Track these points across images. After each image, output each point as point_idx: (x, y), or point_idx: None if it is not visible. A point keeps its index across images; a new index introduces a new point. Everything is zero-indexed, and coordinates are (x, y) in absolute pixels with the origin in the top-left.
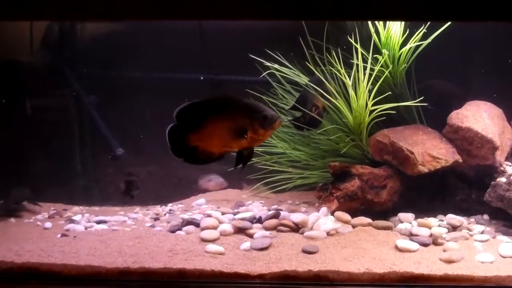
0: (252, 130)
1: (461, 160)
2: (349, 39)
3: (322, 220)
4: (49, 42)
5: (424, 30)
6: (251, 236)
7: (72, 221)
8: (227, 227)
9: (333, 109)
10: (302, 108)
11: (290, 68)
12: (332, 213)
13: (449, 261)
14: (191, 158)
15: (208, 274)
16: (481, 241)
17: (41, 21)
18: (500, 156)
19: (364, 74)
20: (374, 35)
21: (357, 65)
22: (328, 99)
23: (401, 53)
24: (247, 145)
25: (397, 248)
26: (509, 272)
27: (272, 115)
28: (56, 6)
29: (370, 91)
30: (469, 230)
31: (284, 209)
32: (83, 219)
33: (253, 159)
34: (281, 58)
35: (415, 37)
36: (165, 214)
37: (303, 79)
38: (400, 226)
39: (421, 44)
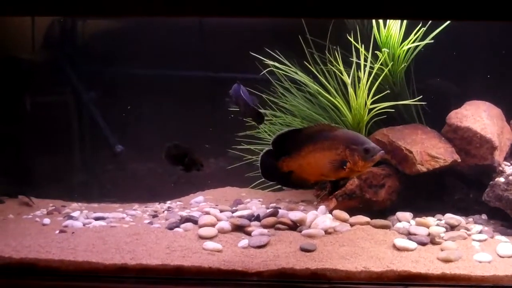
0: (352, 162)
1: (459, 160)
2: (349, 37)
3: (320, 218)
4: (50, 39)
5: (423, 29)
6: (249, 233)
7: (70, 218)
8: (225, 224)
9: (332, 107)
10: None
11: (289, 66)
12: (331, 212)
13: (447, 261)
14: (284, 182)
15: (206, 271)
16: (479, 241)
17: (42, 18)
18: (498, 156)
19: (364, 73)
20: (376, 33)
21: (357, 63)
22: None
23: (401, 52)
24: (344, 175)
25: (395, 247)
26: (507, 271)
27: (373, 148)
28: (57, 2)
29: (369, 90)
30: (467, 229)
31: (282, 207)
32: (81, 216)
33: (251, 157)
34: (281, 57)
35: (416, 36)
36: (163, 211)
37: (302, 77)
38: (398, 225)
39: (421, 43)
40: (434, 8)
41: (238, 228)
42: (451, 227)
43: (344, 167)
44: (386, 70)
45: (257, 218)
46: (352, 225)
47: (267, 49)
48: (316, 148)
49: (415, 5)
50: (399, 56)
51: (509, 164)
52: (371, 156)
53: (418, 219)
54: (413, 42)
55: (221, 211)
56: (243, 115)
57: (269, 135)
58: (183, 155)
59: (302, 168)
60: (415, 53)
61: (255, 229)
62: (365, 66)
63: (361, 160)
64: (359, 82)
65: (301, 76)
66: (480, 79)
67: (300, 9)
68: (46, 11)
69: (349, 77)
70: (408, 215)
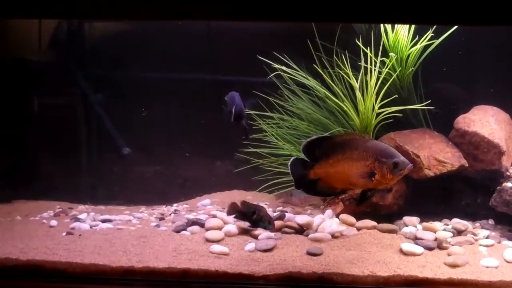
0: (381, 174)
1: (467, 165)
2: (357, 42)
3: (327, 222)
4: (57, 41)
5: (431, 34)
6: (255, 237)
7: (77, 220)
8: (231, 227)
9: (339, 111)
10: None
11: (297, 70)
12: (337, 216)
13: (454, 266)
14: (311, 189)
15: (212, 275)
16: (486, 246)
17: (50, 20)
18: (506, 161)
19: (371, 77)
20: (384, 37)
21: (365, 67)
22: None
23: (409, 57)
24: (372, 187)
25: (402, 252)
26: None
27: (402, 161)
28: (64, 4)
29: (377, 94)
30: (474, 234)
31: (289, 210)
32: (88, 218)
33: (258, 160)
34: (288, 61)
35: (423, 40)
36: (170, 214)
37: (310, 81)
38: (405, 229)
39: (428, 48)
40: (441, 13)
41: (245, 232)
42: (458, 232)
43: (373, 178)
44: (394, 75)
45: None
46: (359, 229)
47: (275, 53)
48: (346, 158)
49: (422, 10)
50: (406, 61)
51: None
52: (400, 170)
53: (425, 223)
54: (420, 45)
55: None
56: (233, 124)
57: (276, 138)
58: (252, 212)
59: (329, 175)
60: (422, 57)
61: (262, 232)
62: (373, 70)
63: (390, 174)
64: (367, 87)
65: (309, 80)
66: (488, 83)
67: (308, 13)
68: (51, 14)
69: (357, 82)
70: (415, 219)
